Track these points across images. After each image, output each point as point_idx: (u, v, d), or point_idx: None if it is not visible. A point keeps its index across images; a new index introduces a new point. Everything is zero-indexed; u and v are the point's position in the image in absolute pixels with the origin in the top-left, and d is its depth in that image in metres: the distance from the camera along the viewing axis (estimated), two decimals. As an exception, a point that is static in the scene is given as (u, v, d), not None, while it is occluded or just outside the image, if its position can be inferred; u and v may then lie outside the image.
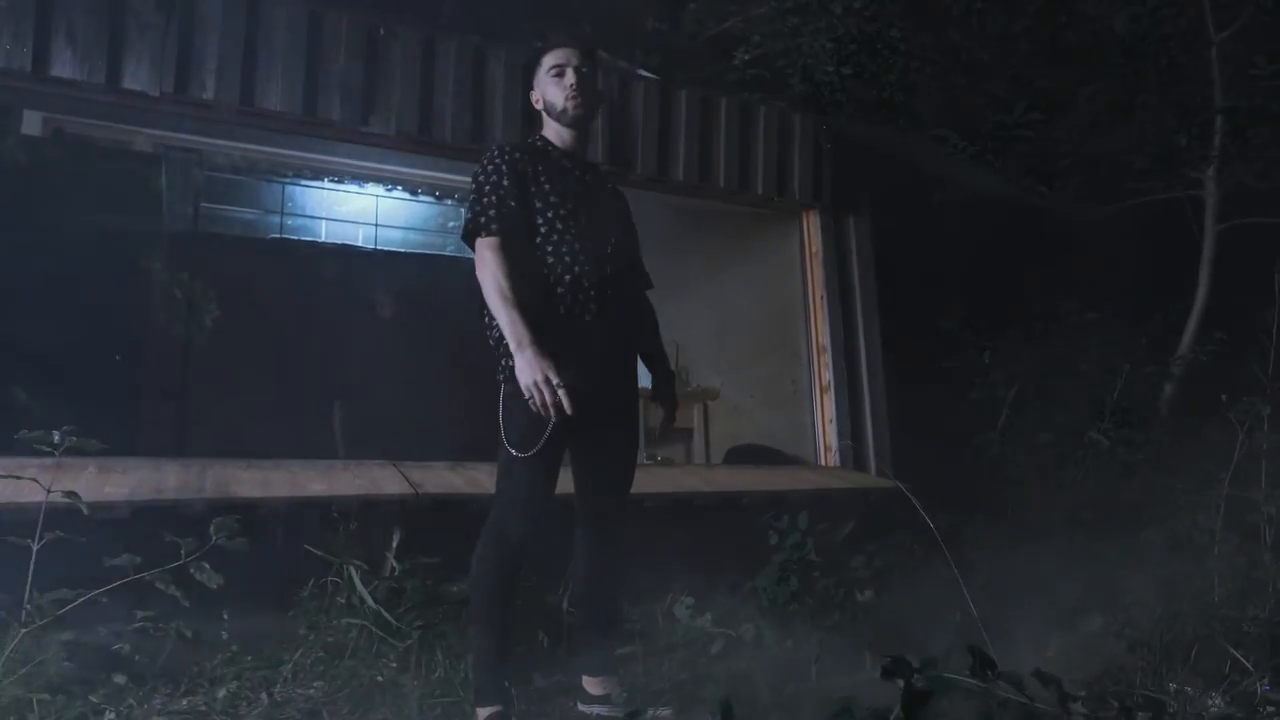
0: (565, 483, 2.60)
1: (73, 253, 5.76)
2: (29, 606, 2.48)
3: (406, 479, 3.40)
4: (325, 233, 7.92)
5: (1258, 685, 2.02)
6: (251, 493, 3.07)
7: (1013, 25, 5.68)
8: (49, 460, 2.98)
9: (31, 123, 5.70)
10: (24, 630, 2.46)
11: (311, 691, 2.82)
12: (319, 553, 2.98)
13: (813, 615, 3.65)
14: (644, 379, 2.94)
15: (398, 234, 7.67)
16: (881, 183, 5.02)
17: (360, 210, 7.93)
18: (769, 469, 4.44)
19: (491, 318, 2.52)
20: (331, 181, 7.77)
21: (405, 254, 7.14)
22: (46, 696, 2.54)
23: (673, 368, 6.10)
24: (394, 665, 2.90)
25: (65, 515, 2.55)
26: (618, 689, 2.67)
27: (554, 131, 2.60)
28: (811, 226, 4.89)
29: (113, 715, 2.61)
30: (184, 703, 2.72)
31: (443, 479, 3.48)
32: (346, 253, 7.53)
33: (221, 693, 2.82)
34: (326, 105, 3.72)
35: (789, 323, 5.05)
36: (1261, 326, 4.14)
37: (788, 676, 3.11)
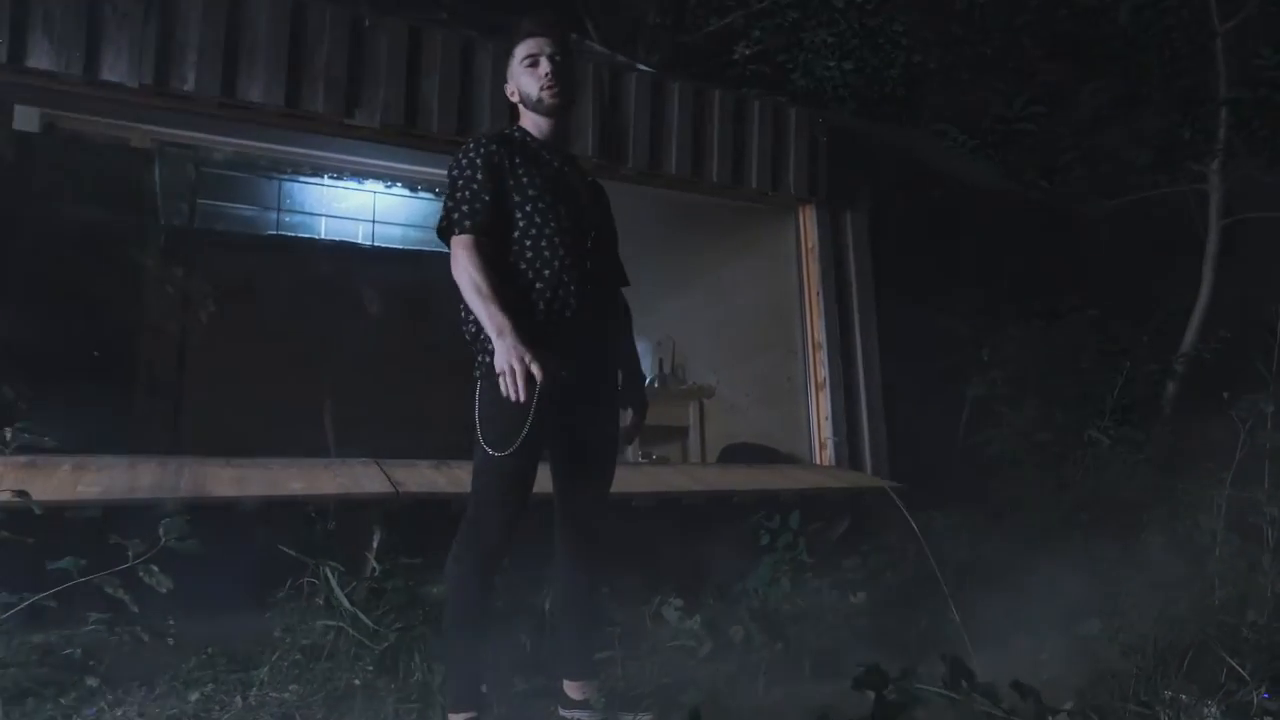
0: (547, 481, 2.54)
1: (64, 249, 5.73)
2: (-10, 608, 2.43)
3: (388, 478, 3.34)
4: (325, 229, 7.87)
5: (1254, 694, 1.94)
6: (227, 491, 3.02)
7: (1014, 19, 5.59)
8: (22, 459, 2.94)
9: (29, 119, 5.68)
10: (-14, 632, 2.40)
11: (286, 695, 2.76)
12: (292, 553, 2.90)
13: (804, 617, 3.58)
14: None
15: (396, 231, 7.62)
16: (879, 177, 4.94)
17: (358, 207, 7.87)
18: (761, 468, 4.37)
19: (468, 312, 2.45)
20: (331, 177, 7.73)
21: (401, 251, 7.09)
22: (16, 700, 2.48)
23: (665, 368, 6.14)
24: (370, 669, 2.84)
25: (31, 516, 2.50)
26: (597, 694, 2.60)
27: (531, 122, 2.53)
28: (807, 221, 4.81)
29: (81, 720, 2.56)
30: (156, 708, 2.66)
31: (425, 478, 3.42)
32: (342, 249, 7.48)
33: (195, 696, 2.76)
34: (310, 97, 3.66)
35: (785, 319, 4.98)
36: (1266, 323, 4.05)
37: (775, 681, 3.04)
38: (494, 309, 2.21)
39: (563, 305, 2.40)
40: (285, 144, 4.29)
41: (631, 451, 5.66)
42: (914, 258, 4.87)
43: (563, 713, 2.61)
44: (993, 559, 3.88)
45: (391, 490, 3.19)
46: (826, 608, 3.65)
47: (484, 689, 2.48)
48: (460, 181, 2.38)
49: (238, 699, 2.74)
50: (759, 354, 5.29)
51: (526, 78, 2.48)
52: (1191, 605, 2.85)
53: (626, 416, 2.70)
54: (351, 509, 3.13)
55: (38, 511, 2.34)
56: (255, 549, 3.12)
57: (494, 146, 2.42)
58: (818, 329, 4.70)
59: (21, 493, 2.32)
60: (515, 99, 2.54)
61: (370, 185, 7.43)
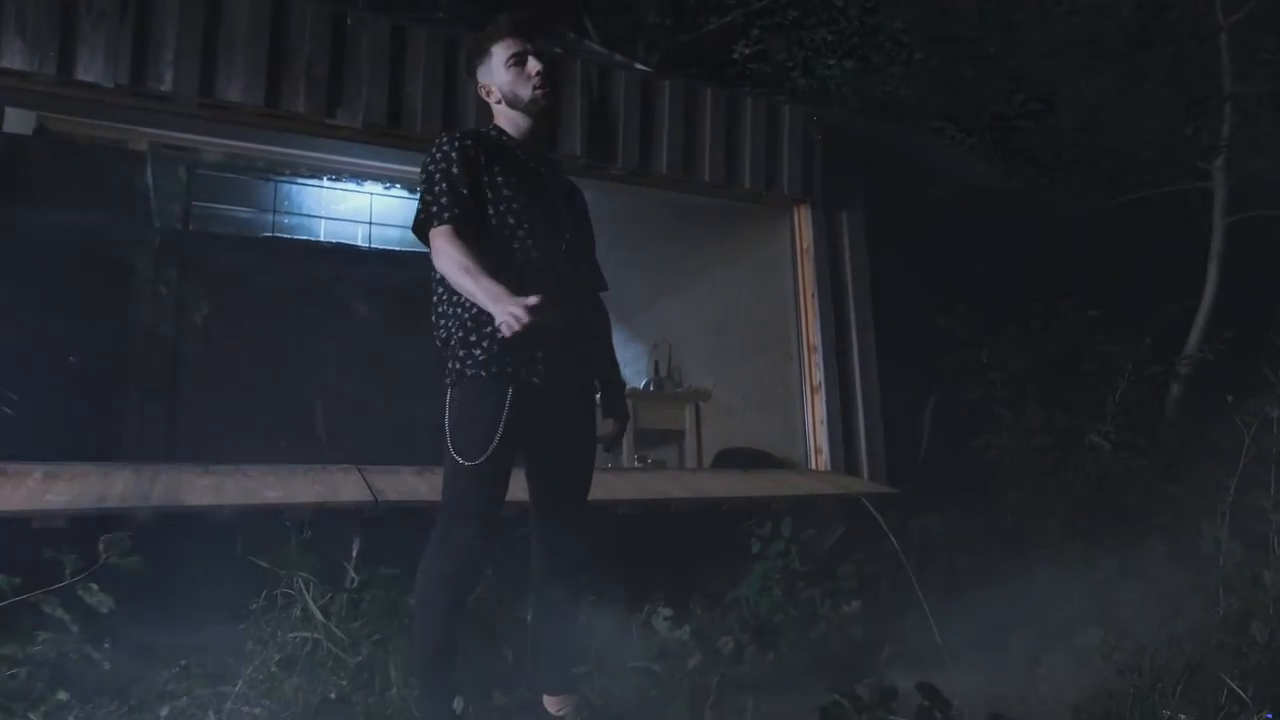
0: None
1: (54, 252, 5.68)
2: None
3: (368, 485, 3.26)
4: (323, 231, 7.82)
5: (1254, 718, 1.85)
6: (202, 500, 2.95)
7: (1014, 15, 5.50)
8: (-11, 466, 2.88)
9: (24, 122, 5.63)
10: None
11: (259, 710, 2.70)
12: (263, 564, 2.83)
13: (797, 627, 3.50)
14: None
15: (395, 233, 7.56)
16: (876, 176, 4.85)
17: (356, 209, 7.82)
18: (753, 473, 4.28)
19: (440, 317, 2.39)
20: (329, 179, 7.68)
21: (399, 252, 7.02)
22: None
23: (661, 370, 6.05)
24: (344, 683, 2.76)
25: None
26: (574, 710, 2.52)
27: (510, 121, 2.46)
28: (802, 221, 4.72)
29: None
30: (125, 723, 2.60)
31: (407, 485, 3.34)
32: (336, 252, 7.43)
33: (166, 710, 2.70)
34: (290, 97, 3.59)
35: (781, 322, 4.89)
36: (1272, 324, 3.95)
37: (766, 695, 2.96)
38: (485, 280, 2.12)
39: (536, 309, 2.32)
40: (284, 146, 4.21)
41: (626, 456, 5.58)
42: (912, 258, 4.77)
43: (541, 729, 2.54)
44: (990, 566, 3.79)
45: (371, 498, 3.12)
46: (819, 617, 3.58)
47: (458, 705, 2.40)
48: (437, 175, 2.31)
49: (210, 714, 2.68)
50: (755, 357, 5.20)
51: (513, 77, 2.40)
52: (1193, 619, 2.76)
53: (607, 424, 2.62)
54: (329, 517, 3.06)
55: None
56: (232, 558, 3.06)
57: (469, 142, 2.35)
58: (813, 331, 4.61)
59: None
60: (493, 99, 2.47)
61: (369, 187, 7.38)
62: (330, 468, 3.53)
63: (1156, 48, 5.15)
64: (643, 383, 6.05)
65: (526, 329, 2.02)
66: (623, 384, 2.69)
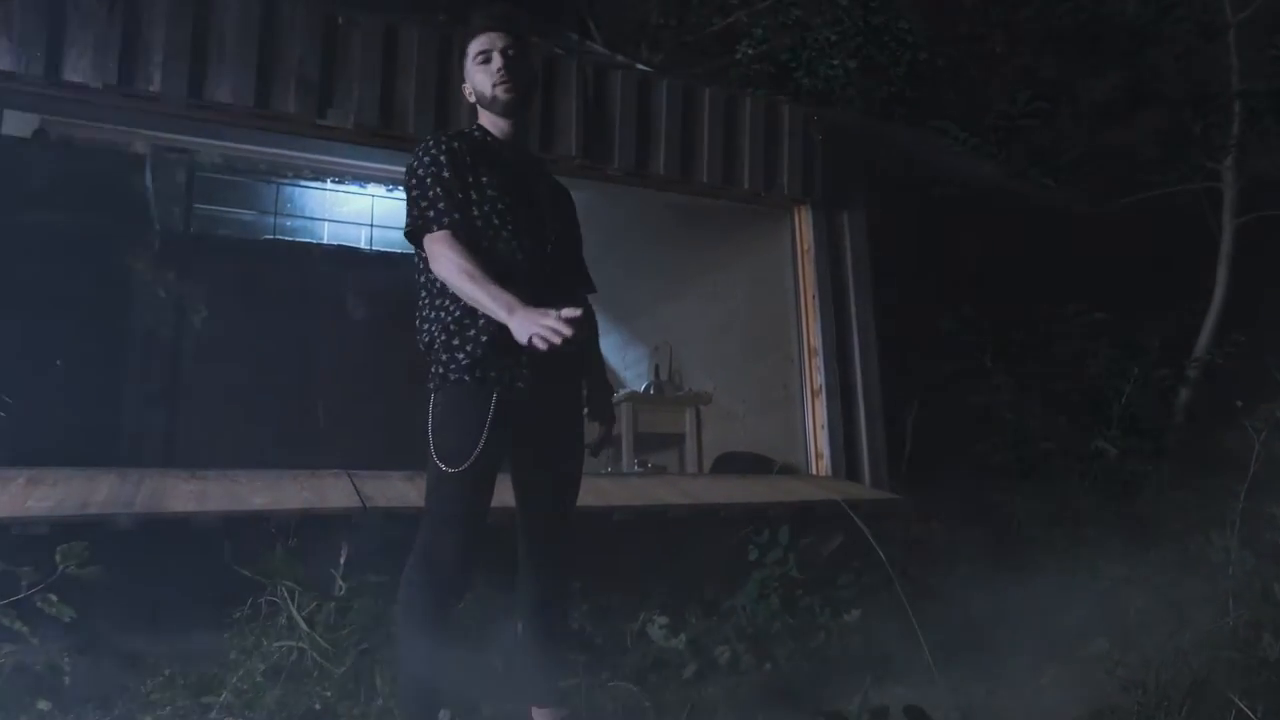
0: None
1: (52, 255, 5.66)
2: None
3: (357, 490, 3.21)
4: (326, 234, 7.80)
5: (1262, 738, 1.77)
6: (186, 506, 2.90)
7: (1018, 13, 5.42)
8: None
9: (25, 125, 5.61)
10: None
11: (242, 721, 2.65)
12: (246, 572, 2.78)
13: (795, 636, 3.43)
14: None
15: (397, 235, 7.50)
16: (878, 176, 4.77)
17: (358, 211, 7.79)
18: (751, 479, 4.21)
19: (423, 321, 2.33)
20: (333, 182, 7.65)
21: (402, 255, 6.98)
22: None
23: (662, 373, 5.98)
24: (329, 694, 2.71)
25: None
26: (561, 723, 2.45)
27: (489, 121, 2.40)
28: (803, 222, 4.65)
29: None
30: (106, 734, 2.55)
31: (395, 490, 3.29)
32: (337, 255, 7.40)
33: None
34: (281, 98, 3.54)
35: (781, 324, 4.82)
36: (1283, 327, 3.87)
37: (763, 706, 2.90)
38: (494, 289, 2.07)
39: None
40: (275, 147, 4.17)
41: (626, 460, 5.52)
42: (914, 260, 4.70)
43: (528, 742, 2.47)
44: (993, 574, 3.71)
45: (359, 504, 3.06)
46: (818, 626, 3.51)
47: (444, 717, 2.34)
48: (428, 179, 2.25)
49: (193, 724, 2.63)
50: (756, 360, 5.14)
51: (480, 74, 2.35)
52: (1201, 631, 2.67)
53: (593, 428, 2.56)
54: (316, 524, 3.01)
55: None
56: (219, 565, 3.01)
57: (455, 143, 2.30)
58: (814, 334, 4.54)
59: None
60: (472, 99, 2.42)
61: (372, 189, 7.34)
62: (320, 473, 3.48)
63: (1164, 45, 5.06)
64: (643, 386, 5.99)
65: (562, 346, 1.96)
66: (609, 387, 2.62)
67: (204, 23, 3.43)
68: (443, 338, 2.25)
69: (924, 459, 4.43)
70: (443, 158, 2.25)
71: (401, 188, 2.35)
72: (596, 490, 3.59)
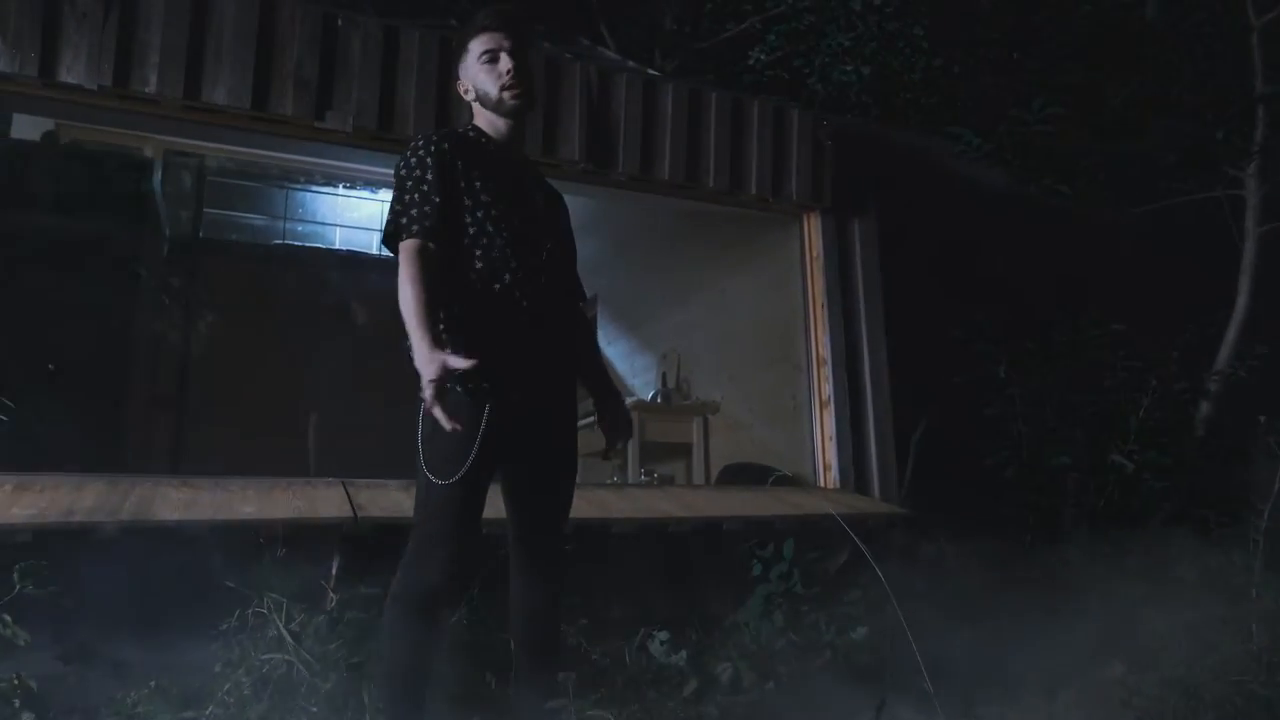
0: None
1: (61, 259, 5.64)
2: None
3: (350, 500, 3.13)
4: (338, 239, 7.78)
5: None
6: (173, 515, 2.83)
7: (1034, 17, 5.31)
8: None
9: (35, 128, 5.61)
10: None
11: (227, 735, 2.58)
12: (230, 584, 2.71)
13: (799, 654, 3.33)
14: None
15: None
16: (889, 183, 4.67)
17: (368, 216, 7.77)
18: (756, 491, 4.11)
19: None
20: (345, 187, 7.64)
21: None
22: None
23: (669, 382, 5.89)
24: (316, 709, 2.63)
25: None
26: (553, 745, 2.36)
27: (487, 122, 2.33)
28: (812, 230, 4.56)
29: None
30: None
31: (390, 500, 3.21)
32: (345, 259, 7.37)
33: (129, 736, 2.59)
34: (279, 100, 3.49)
35: (789, 333, 4.73)
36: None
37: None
38: (424, 319, 2.00)
39: (514, 321, 2.19)
40: (272, 150, 4.12)
41: (631, 471, 5.44)
42: (926, 268, 4.59)
43: (519, 763, 2.39)
44: (1005, 592, 3.60)
45: (350, 514, 2.99)
46: (824, 644, 3.40)
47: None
48: (409, 183, 2.18)
49: (175, 741, 2.56)
50: (763, 369, 5.05)
51: (484, 75, 2.28)
52: (1223, 655, 2.56)
53: (614, 439, 2.47)
54: (308, 534, 2.93)
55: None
56: (209, 574, 2.95)
57: (445, 145, 2.22)
58: (822, 344, 4.44)
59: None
60: (470, 97, 2.35)
61: (383, 194, 7.31)
62: (315, 481, 3.41)
63: (1184, 48, 4.93)
64: (650, 394, 5.91)
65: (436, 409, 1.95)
66: (619, 394, 2.53)
67: (200, 24, 3.39)
68: (433, 348, 2.18)
69: (934, 472, 4.32)
70: (429, 160, 2.18)
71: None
72: (596, 502, 3.51)
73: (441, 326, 2.13)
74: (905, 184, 4.76)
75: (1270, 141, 4.89)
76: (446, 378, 1.94)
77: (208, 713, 2.67)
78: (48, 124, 5.55)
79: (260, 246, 7.28)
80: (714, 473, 5.39)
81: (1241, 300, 5.00)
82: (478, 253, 2.20)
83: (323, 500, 3.13)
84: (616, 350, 6.72)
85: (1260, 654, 2.56)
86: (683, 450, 5.64)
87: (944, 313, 4.57)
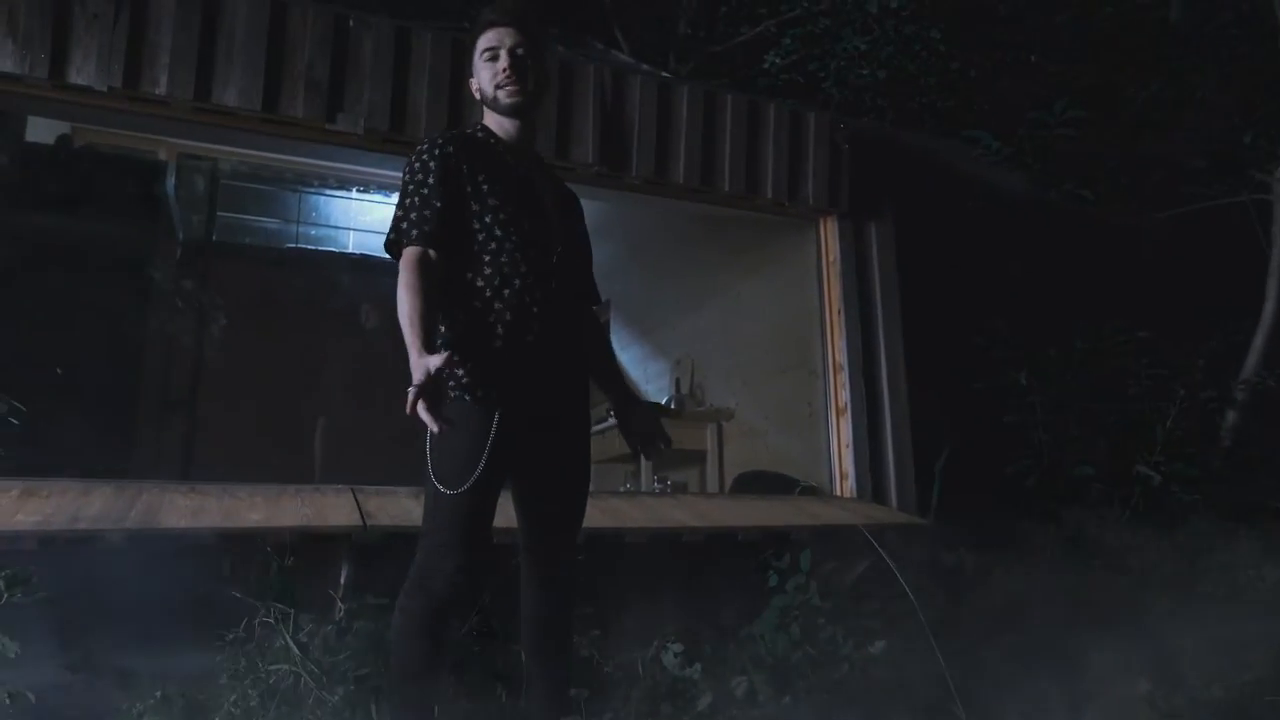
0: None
1: (74, 262, 5.64)
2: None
3: (359, 507, 3.08)
4: (351, 242, 7.76)
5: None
6: (180, 522, 2.79)
7: (1054, 18, 5.22)
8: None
9: (48, 131, 5.62)
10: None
11: (231, 749, 2.53)
12: (237, 595, 2.66)
13: (815, 668, 3.25)
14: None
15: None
16: (906, 187, 4.59)
17: (381, 220, 7.74)
18: (771, 500, 4.04)
19: None
20: (358, 190, 7.62)
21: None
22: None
23: (683, 388, 5.83)
24: (321, 723, 2.58)
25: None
26: (564, 762, 2.30)
27: (495, 122, 2.28)
28: (828, 234, 4.49)
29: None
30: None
31: (401, 508, 3.16)
32: (357, 263, 7.34)
33: (132, 748, 2.55)
34: (289, 102, 3.45)
35: (805, 339, 4.66)
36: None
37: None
38: (420, 328, 1.94)
39: (524, 328, 2.13)
40: (283, 152, 4.09)
41: (644, 479, 5.37)
42: (944, 273, 4.51)
43: (529, 780, 2.33)
44: (1027, 605, 3.51)
45: (359, 522, 2.94)
46: (841, 658, 3.33)
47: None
48: (411, 187, 2.14)
49: (179, 754, 2.52)
50: (779, 375, 4.97)
51: (485, 72, 2.24)
52: (1256, 673, 2.47)
53: (647, 440, 2.40)
54: (314, 542, 2.89)
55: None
56: (215, 583, 2.91)
57: (450, 148, 2.17)
58: (839, 350, 4.37)
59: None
60: (479, 97, 2.30)
61: (396, 198, 7.27)
62: (323, 488, 3.37)
63: (1209, 50, 4.83)
64: (665, 400, 5.85)
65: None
66: (640, 400, 2.46)
67: (211, 25, 3.36)
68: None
69: (952, 480, 4.23)
70: (432, 163, 2.13)
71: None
72: (608, 510, 3.45)
73: (449, 333, 2.08)
74: (923, 188, 4.68)
75: (1298, 145, 4.79)
76: (432, 381, 1.87)
77: (217, 720, 2.62)
78: (62, 127, 5.56)
79: (273, 250, 7.26)
80: (728, 480, 5.32)
81: (1269, 307, 4.90)
82: (486, 258, 2.14)
83: (331, 508, 3.08)
84: (629, 356, 6.66)
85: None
86: (696, 458, 5.57)
87: (963, 319, 4.49)
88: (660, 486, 5.38)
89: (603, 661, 3.17)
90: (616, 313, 6.78)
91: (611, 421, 5.53)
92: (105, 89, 3.23)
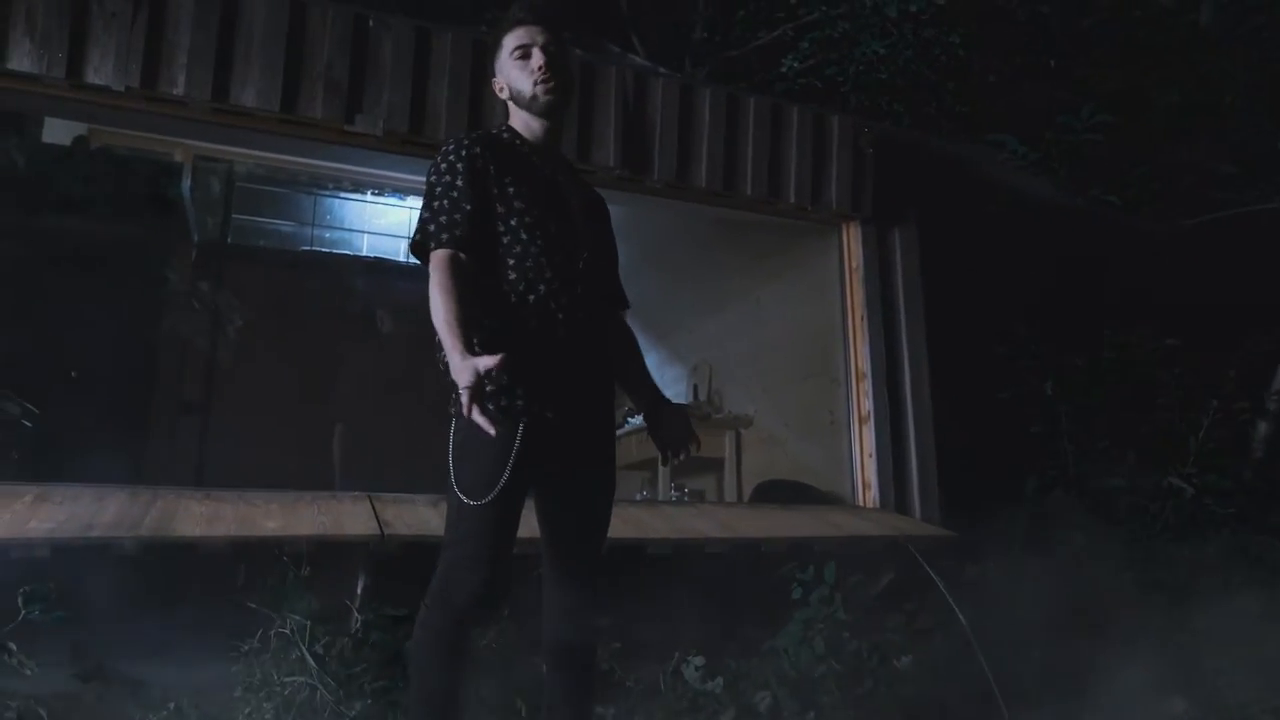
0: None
1: (89, 264, 5.62)
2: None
3: (376, 516, 3.03)
4: (365, 246, 7.73)
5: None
6: (195, 530, 2.74)
7: (1080, 22, 5.13)
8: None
9: (64, 132, 5.60)
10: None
11: (247, 762, 2.47)
12: (252, 604, 2.61)
13: (840, 683, 3.18)
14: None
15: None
16: (930, 192, 4.52)
17: (396, 223, 7.71)
18: (794, 510, 3.96)
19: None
20: (373, 193, 7.58)
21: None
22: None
23: (701, 394, 5.76)
24: (338, 736, 2.53)
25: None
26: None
27: (522, 122, 2.22)
28: (851, 239, 4.42)
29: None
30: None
31: (418, 516, 3.10)
32: (372, 266, 7.30)
33: (146, 761, 2.49)
34: (308, 102, 3.40)
35: (827, 346, 4.59)
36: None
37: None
38: (458, 329, 1.89)
39: (550, 332, 2.07)
40: (329, 159, 4.06)
41: (661, 487, 5.31)
42: (969, 280, 4.43)
43: (552, 798, 2.26)
44: (1058, 621, 3.43)
45: (376, 532, 2.88)
46: (866, 673, 3.26)
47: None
48: (439, 189, 2.07)
49: (192, 768, 2.46)
50: (799, 383, 4.90)
51: (517, 71, 2.17)
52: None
53: (676, 445, 2.34)
54: (330, 551, 2.83)
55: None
56: (231, 591, 2.86)
57: (477, 149, 2.10)
58: (862, 357, 4.30)
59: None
60: (504, 95, 2.24)
61: (411, 201, 7.25)
62: (340, 496, 3.32)
63: (1240, 53, 4.74)
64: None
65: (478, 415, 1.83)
66: (669, 401, 2.39)
67: (230, 24, 3.31)
68: (466, 361, 2.06)
69: (977, 491, 4.15)
70: (459, 165, 2.07)
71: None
72: (629, 521, 3.39)
73: (484, 336, 2.02)
74: (946, 192, 4.60)
75: (1332, 151, 4.70)
76: (482, 384, 1.81)
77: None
78: (79, 128, 5.54)
79: (288, 253, 7.23)
80: (746, 489, 5.24)
81: (1302, 315, 4.79)
82: (510, 262, 2.08)
83: (348, 516, 3.02)
84: (646, 361, 6.59)
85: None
86: (714, 465, 5.50)
87: (987, 326, 4.41)
88: (678, 494, 5.31)
89: (623, 675, 3.11)
90: (632, 316, 6.70)
91: (629, 426, 5.49)
92: (123, 89, 3.19)
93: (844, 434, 4.35)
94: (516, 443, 2.01)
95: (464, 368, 1.82)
